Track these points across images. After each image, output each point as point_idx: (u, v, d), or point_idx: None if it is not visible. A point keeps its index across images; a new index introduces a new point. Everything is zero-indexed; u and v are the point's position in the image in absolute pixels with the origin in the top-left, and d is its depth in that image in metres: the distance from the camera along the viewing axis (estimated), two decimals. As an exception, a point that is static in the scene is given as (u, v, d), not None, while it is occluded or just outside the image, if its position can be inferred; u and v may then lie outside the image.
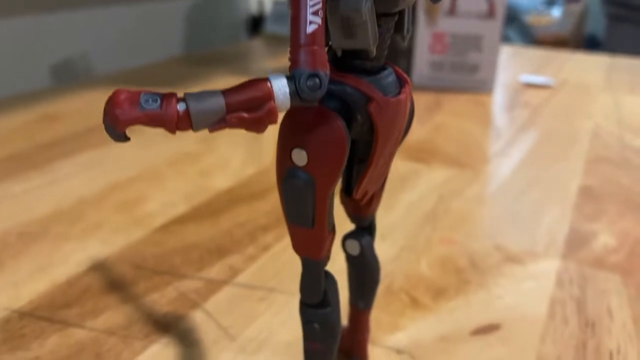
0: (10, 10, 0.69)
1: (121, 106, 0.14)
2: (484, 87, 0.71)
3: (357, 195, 0.20)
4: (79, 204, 0.41)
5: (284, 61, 0.93)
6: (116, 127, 0.14)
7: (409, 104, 0.19)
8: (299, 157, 0.17)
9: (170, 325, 0.29)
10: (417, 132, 0.57)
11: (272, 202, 0.42)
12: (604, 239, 0.38)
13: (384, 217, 0.40)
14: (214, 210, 0.40)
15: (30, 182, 0.44)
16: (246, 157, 0.50)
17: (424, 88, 0.72)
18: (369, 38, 0.16)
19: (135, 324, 0.29)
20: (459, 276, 0.33)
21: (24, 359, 0.26)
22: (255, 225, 0.38)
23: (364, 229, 0.24)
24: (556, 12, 1.96)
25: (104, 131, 0.15)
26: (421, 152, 0.52)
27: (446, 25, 0.68)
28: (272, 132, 0.17)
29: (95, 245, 0.36)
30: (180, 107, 0.14)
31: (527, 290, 0.32)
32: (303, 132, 0.17)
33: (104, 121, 0.14)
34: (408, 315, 0.30)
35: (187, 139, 0.54)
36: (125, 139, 0.15)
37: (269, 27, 1.05)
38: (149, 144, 0.52)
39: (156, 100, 0.14)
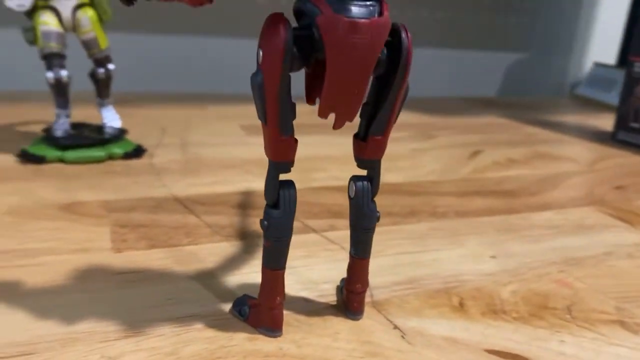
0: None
1: None
2: None
3: (320, 112, 0.22)
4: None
5: (592, 122, 0.88)
6: None
7: (382, 35, 0.20)
8: (259, 56, 0.21)
9: (247, 237, 0.34)
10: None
11: (417, 200, 0.42)
12: None
13: (518, 246, 0.36)
14: (365, 191, 0.44)
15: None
16: (437, 169, 0.51)
17: None
18: None
19: (228, 228, 0.35)
20: (535, 312, 0.28)
21: (146, 218, 0.35)
22: (382, 210, 0.40)
23: (367, 177, 0.25)
24: None
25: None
26: (634, 215, 0.43)
27: None
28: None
29: (259, 182, 0.44)
30: None
31: (608, 354, 0.25)
32: (264, 34, 0.21)
33: None
34: (441, 312, 0.28)
35: (400, 147, 0.58)
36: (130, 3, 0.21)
37: (582, 90, 0.98)
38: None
39: None
